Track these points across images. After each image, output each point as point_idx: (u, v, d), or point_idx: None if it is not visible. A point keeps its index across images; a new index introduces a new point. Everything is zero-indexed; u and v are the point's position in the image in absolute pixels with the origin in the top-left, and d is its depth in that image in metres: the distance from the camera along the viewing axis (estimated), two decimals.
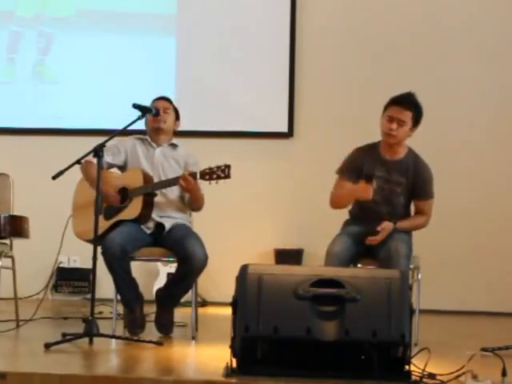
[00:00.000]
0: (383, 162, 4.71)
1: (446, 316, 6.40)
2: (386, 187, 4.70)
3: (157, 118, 4.87)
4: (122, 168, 4.96)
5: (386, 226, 4.60)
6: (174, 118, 4.99)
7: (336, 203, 4.76)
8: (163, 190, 4.79)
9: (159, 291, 4.87)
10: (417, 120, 4.67)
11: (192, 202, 4.83)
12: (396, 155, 4.73)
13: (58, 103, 7.02)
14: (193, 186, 4.64)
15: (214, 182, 4.55)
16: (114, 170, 5.00)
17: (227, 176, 4.53)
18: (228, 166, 4.55)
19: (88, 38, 7.02)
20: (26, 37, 7.12)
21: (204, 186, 4.70)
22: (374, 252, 4.62)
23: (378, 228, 4.59)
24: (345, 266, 4.43)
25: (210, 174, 4.55)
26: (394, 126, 4.60)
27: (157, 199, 4.78)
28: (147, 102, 4.88)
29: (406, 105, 4.62)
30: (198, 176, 4.58)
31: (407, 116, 4.62)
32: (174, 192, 4.83)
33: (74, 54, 7.01)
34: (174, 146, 4.95)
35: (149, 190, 4.74)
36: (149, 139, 4.93)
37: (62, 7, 7.11)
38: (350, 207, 4.86)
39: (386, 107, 4.67)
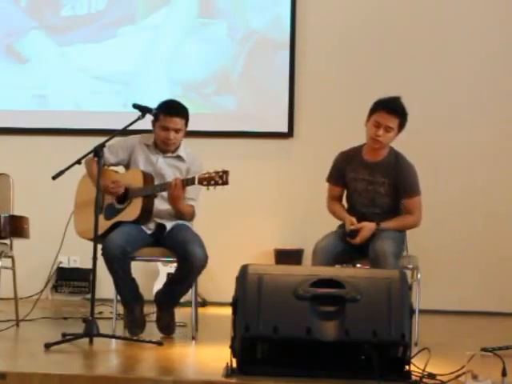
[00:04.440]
0: (366, 165, 4.73)
1: (446, 316, 6.39)
2: (371, 188, 4.72)
3: (166, 141, 4.73)
4: (126, 167, 4.92)
5: (364, 225, 4.60)
6: (185, 133, 4.83)
7: (331, 213, 4.90)
8: (165, 197, 4.74)
9: (158, 292, 4.86)
10: (403, 126, 4.66)
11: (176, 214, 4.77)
12: (378, 157, 4.73)
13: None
14: (178, 193, 4.59)
15: (211, 187, 4.51)
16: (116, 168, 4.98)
17: (225, 182, 4.49)
18: (226, 172, 4.49)
19: None
20: None
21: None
22: (364, 252, 4.61)
23: (352, 227, 4.60)
24: (330, 262, 4.47)
25: (208, 180, 4.50)
26: (381, 132, 4.59)
27: (157, 204, 4.75)
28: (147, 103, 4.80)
29: (394, 112, 4.60)
30: (196, 181, 4.54)
31: (394, 123, 4.60)
32: None
33: None
34: (179, 157, 4.85)
35: (149, 192, 4.71)
36: (153, 146, 4.84)
37: None
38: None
39: (373, 111, 4.64)
